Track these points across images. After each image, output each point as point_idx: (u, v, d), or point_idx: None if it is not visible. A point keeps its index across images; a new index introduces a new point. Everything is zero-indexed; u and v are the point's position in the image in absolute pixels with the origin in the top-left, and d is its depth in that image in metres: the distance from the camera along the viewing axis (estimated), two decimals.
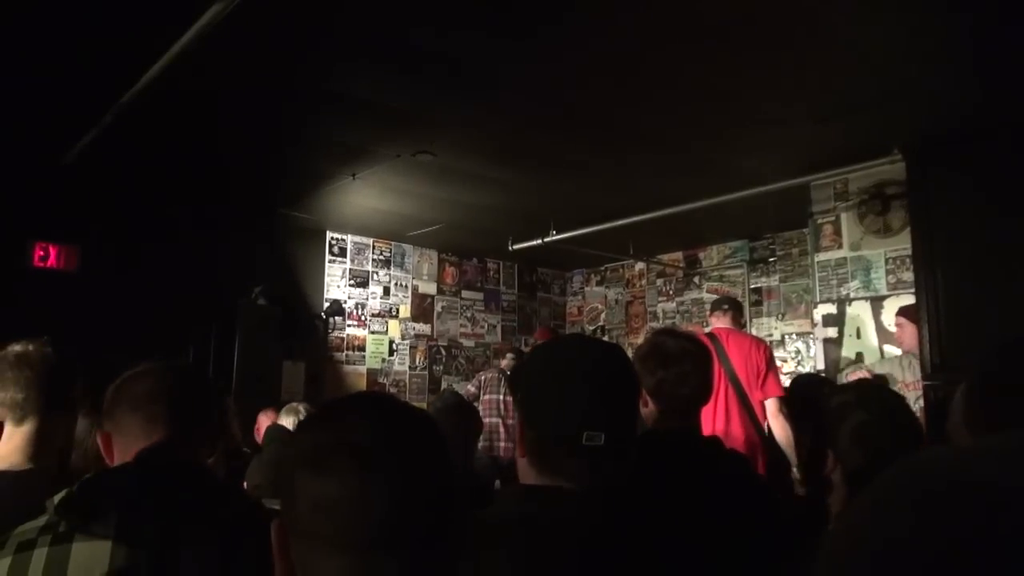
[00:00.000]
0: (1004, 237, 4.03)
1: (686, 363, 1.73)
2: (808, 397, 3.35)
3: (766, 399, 3.90)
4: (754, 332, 7.08)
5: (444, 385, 7.55)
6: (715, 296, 5.24)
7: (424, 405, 7.17)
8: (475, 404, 6.21)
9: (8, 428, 1.55)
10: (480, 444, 6.09)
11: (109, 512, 1.11)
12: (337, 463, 0.76)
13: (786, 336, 6.89)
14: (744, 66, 3.53)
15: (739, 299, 5.77)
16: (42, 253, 5.15)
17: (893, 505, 0.38)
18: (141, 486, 1.15)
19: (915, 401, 3.75)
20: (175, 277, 5.46)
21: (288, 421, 3.84)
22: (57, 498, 1.14)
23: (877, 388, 1.93)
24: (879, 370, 4.19)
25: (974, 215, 4.16)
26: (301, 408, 3.93)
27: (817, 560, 0.41)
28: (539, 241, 6.45)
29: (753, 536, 1.63)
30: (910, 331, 4.14)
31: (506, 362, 6.68)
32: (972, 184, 4.18)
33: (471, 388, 6.52)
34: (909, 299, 4.46)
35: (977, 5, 3.00)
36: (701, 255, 7.66)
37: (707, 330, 4.21)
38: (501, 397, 6.20)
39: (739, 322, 4.48)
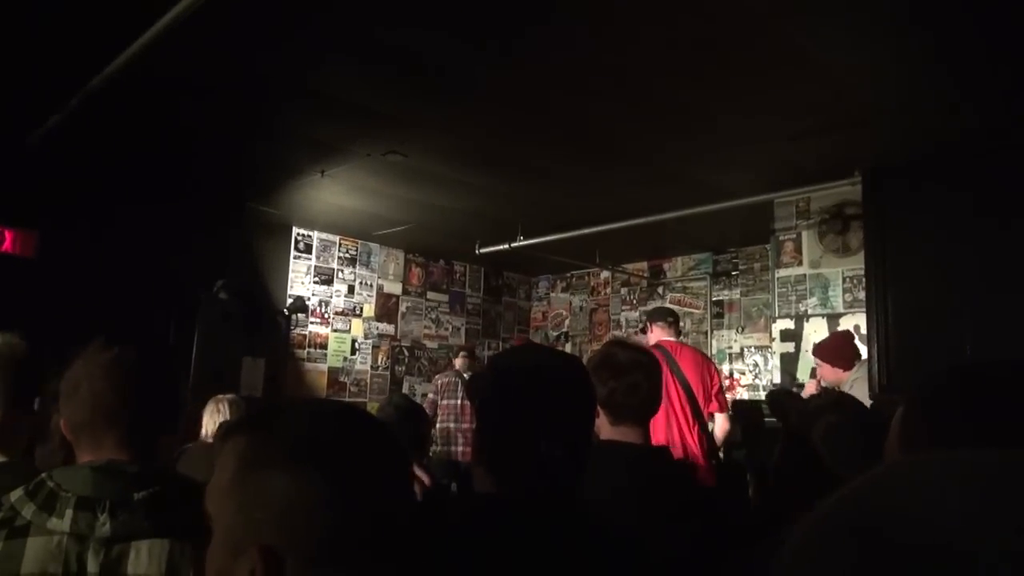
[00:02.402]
0: (953, 262, 4.16)
1: (637, 374, 1.77)
2: (783, 405, 3.50)
3: (719, 412, 4.13)
4: (714, 344, 7.19)
5: (406, 386, 7.53)
6: (660, 307, 5.15)
7: None
8: (436, 410, 6.20)
9: None
10: (439, 448, 6.10)
11: (65, 509, 1.12)
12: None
13: (745, 349, 7.01)
14: (715, 84, 3.60)
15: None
16: None
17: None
18: (97, 483, 1.15)
19: None
20: (136, 267, 5.37)
21: (216, 415, 3.66)
22: (14, 495, 1.14)
23: (851, 397, 2.00)
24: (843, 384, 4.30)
25: (926, 239, 4.29)
26: (225, 401, 3.74)
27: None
28: (506, 246, 6.48)
29: (702, 542, 1.67)
30: (826, 369, 4.23)
31: (460, 362, 6.65)
32: (926, 209, 4.31)
33: (431, 396, 6.47)
34: (864, 318, 4.57)
35: (939, 36, 3.10)
36: (665, 266, 7.76)
37: (653, 342, 4.26)
38: (459, 402, 6.19)
39: (679, 335, 4.61)
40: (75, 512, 1.11)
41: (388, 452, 0.82)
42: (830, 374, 4.17)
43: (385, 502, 0.78)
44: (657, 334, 4.38)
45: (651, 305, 7.77)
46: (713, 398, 4.07)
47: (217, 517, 0.76)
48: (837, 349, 4.23)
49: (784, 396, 3.96)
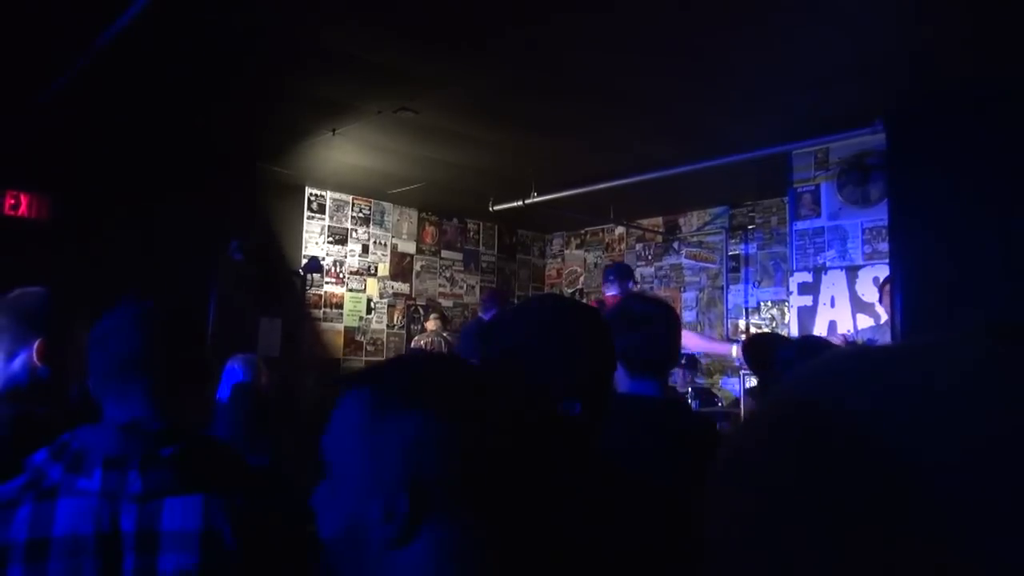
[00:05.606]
0: (980, 210, 4.07)
1: (655, 326, 1.74)
2: (763, 355, 3.43)
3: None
4: (731, 298, 7.14)
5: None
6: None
7: None
8: None
9: None
10: None
11: (93, 468, 1.11)
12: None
13: (762, 303, 6.96)
14: (729, 33, 3.50)
15: (631, 270, 5.13)
16: (13, 201, 5.02)
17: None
18: (122, 441, 1.15)
19: None
20: (149, 229, 5.38)
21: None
22: (38, 456, 1.14)
23: (819, 338, 1.94)
24: (864, 336, 4.26)
25: (952, 187, 4.20)
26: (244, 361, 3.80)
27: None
28: (520, 203, 6.42)
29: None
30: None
31: (432, 324, 6.69)
32: (951, 156, 4.20)
33: None
34: (884, 270, 4.52)
35: None
36: (681, 221, 7.68)
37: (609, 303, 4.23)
38: None
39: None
40: (104, 471, 1.11)
41: (493, 390, 0.87)
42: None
43: (501, 439, 0.82)
44: (606, 292, 4.41)
45: (666, 261, 7.72)
46: None
47: (343, 465, 0.81)
48: None
49: (769, 342, 3.87)
